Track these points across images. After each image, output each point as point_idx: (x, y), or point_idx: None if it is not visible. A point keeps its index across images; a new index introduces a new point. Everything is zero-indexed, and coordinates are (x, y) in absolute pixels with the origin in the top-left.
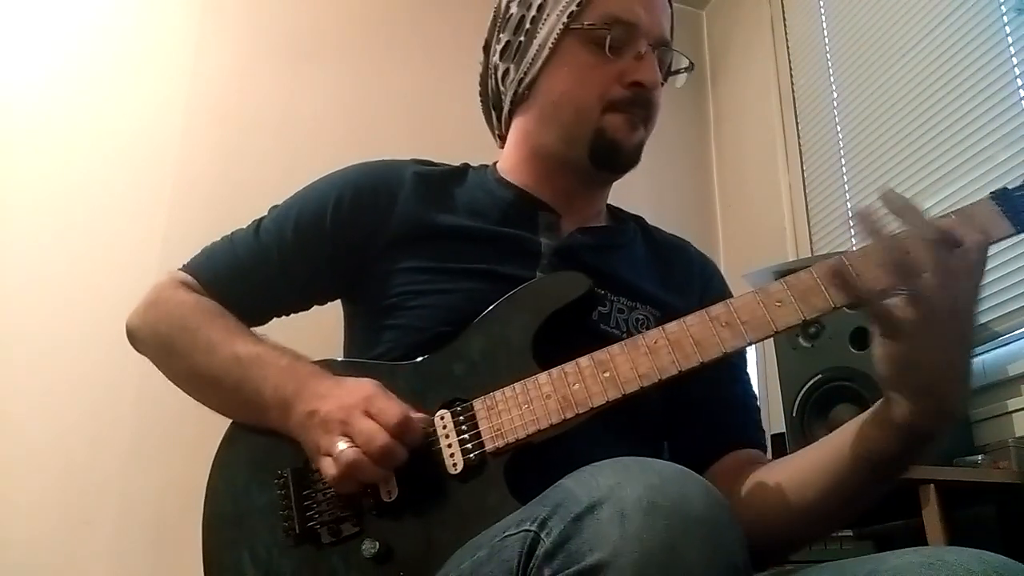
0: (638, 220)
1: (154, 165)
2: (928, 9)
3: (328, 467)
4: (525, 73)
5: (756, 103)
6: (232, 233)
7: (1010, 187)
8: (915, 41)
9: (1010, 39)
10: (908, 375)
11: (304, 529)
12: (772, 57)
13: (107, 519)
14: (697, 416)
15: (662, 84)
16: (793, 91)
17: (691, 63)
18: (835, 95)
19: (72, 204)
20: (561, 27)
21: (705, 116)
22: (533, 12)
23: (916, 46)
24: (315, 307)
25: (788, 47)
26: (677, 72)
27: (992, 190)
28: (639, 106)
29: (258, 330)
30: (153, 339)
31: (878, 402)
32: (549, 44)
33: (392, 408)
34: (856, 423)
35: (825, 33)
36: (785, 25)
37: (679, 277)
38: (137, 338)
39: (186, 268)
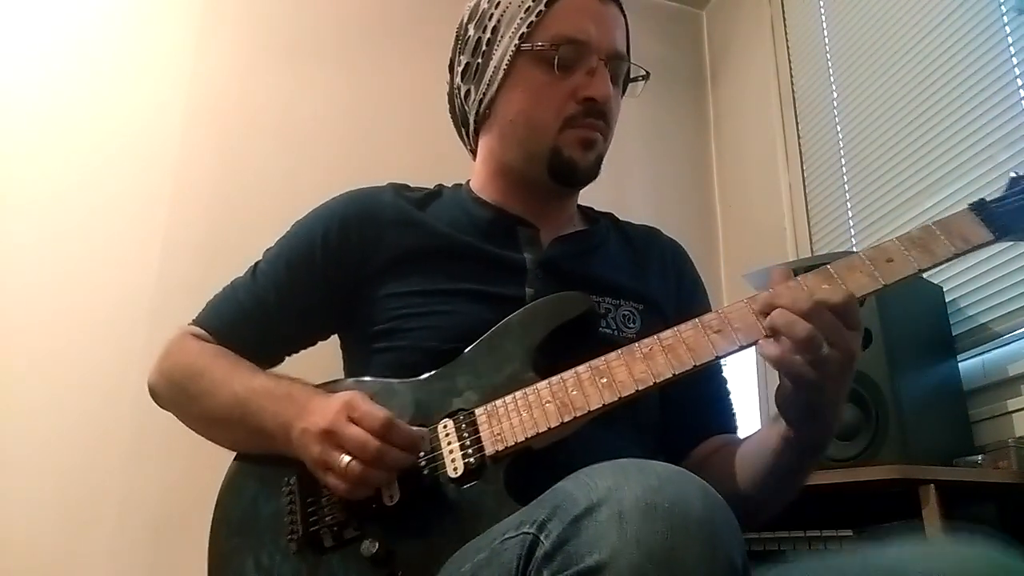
0: (608, 216)
1: (154, 165)
2: (928, 9)
3: (335, 481)
4: (484, 94)
5: (756, 103)
6: (232, 281)
7: (988, 199)
8: (915, 41)
9: (1010, 39)
10: (803, 414)
11: (307, 533)
12: (772, 57)
13: (107, 519)
14: (680, 411)
15: (622, 95)
16: (793, 91)
17: (647, 72)
18: (835, 95)
19: (72, 204)
20: (514, 49)
21: (705, 116)
22: (488, 35)
23: (916, 46)
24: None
25: (788, 47)
26: (635, 80)
27: (970, 202)
28: (594, 118)
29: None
30: (168, 391)
31: (773, 422)
32: (503, 66)
33: (373, 411)
34: (766, 434)
35: (825, 33)
36: (785, 25)
37: (655, 264)
38: (156, 392)
39: (195, 321)
